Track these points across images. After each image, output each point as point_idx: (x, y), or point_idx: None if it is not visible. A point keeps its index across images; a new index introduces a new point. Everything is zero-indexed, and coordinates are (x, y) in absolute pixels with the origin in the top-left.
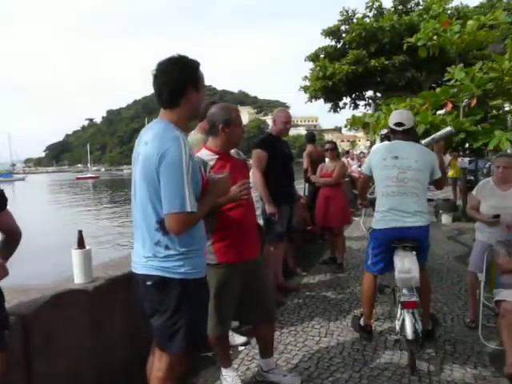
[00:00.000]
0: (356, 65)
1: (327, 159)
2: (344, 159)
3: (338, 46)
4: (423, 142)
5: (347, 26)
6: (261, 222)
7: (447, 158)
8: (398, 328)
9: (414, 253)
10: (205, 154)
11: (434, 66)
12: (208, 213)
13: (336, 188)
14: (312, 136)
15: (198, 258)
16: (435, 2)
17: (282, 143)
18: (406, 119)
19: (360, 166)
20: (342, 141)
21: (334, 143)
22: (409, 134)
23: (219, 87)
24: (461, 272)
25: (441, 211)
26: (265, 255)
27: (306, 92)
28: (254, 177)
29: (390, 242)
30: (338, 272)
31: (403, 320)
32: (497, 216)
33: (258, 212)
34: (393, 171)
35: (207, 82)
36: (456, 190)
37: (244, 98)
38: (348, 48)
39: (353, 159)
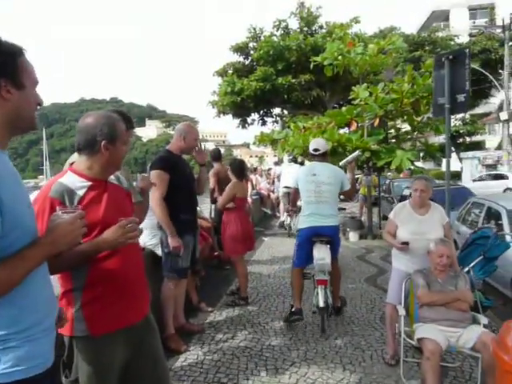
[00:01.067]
0: (264, 81)
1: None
2: (252, 176)
3: (247, 62)
4: (341, 163)
5: (255, 44)
6: (159, 252)
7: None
8: (314, 301)
9: (328, 246)
10: (72, 181)
11: (337, 87)
12: (76, 263)
13: (230, 213)
14: (218, 153)
15: (28, 343)
16: (337, 27)
17: (184, 162)
18: (321, 145)
19: (269, 184)
20: (251, 156)
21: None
22: (324, 157)
23: (126, 100)
24: (373, 297)
25: (348, 229)
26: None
27: (214, 107)
28: (153, 202)
29: (310, 237)
30: (247, 305)
31: (317, 293)
32: (405, 243)
33: (155, 241)
34: (311, 185)
35: (113, 93)
36: (363, 207)
37: (152, 112)
38: (256, 65)
39: (261, 176)
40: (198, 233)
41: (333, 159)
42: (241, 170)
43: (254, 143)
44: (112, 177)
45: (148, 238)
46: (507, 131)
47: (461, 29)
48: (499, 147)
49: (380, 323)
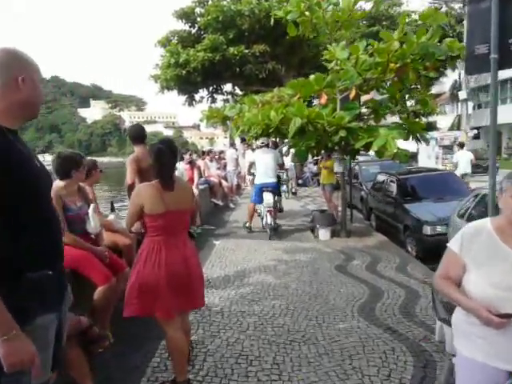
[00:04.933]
0: (213, 52)
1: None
2: (200, 161)
3: (193, 31)
4: (278, 148)
5: (202, 10)
6: None
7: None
8: (264, 222)
9: (272, 193)
10: None
11: (293, 60)
12: None
13: (145, 241)
14: (139, 131)
15: None
16: None
17: (23, 145)
18: (264, 140)
19: (219, 169)
20: (201, 138)
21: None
22: (267, 146)
23: (69, 79)
24: (383, 347)
25: (317, 225)
26: None
27: (156, 82)
28: None
29: (261, 188)
30: None
31: (266, 217)
32: (509, 315)
33: None
34: (262, 161)
35: (54, 72)
36: (331, 199)
37: (97, 92)
38: (204, 33)
39: (211, 160)
40: (67, 300)
41: (300, 141)
42: (161, 163)
43: (201, 120)
44: None
45: None
46: (466, 111)
47: (418, 3)
48: (452, 128)
49: None
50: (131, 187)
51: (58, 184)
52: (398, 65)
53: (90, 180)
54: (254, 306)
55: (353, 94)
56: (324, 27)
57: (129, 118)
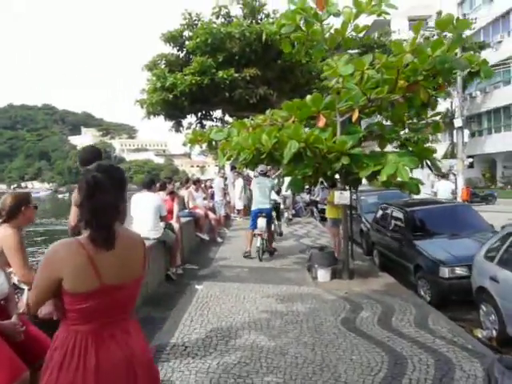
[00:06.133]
0: (201, 75)
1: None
2: (184, 191)
3: (181, 55)
4: (273, 176)
5: (191, 33)
6: None
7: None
8: (256, 244)
9: (265, 219)
10: None
11: (285, 86)
12: None
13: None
14: (92, 155)
15: None
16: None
17: None
18: (263, 168)
19: (206, 199)
20: (192, 166)
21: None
22: (266, 175)
23: (60, 107)
24: None
25: (316, 265)
26: None
27: (142, 107)
28: None
29: (257, 213)
30: None
31: (260, 241)
32: None
33: None
34: (258, 187)
35: (45, 100)
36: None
37: (88, 120)
38: (192, 57)
39: (197, 190)
40: None
41: (296, 168)
42: (95, 204)
43: (184, 144)
44: None
45: None
46: (462, 139)
47: (403, 37)
48: (445, 156)
49: None
50: (75, 230)
51: None
52: (407, 83)
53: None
54: None
55: (355, 116)
56: (321, 43)
57: (120, 145)
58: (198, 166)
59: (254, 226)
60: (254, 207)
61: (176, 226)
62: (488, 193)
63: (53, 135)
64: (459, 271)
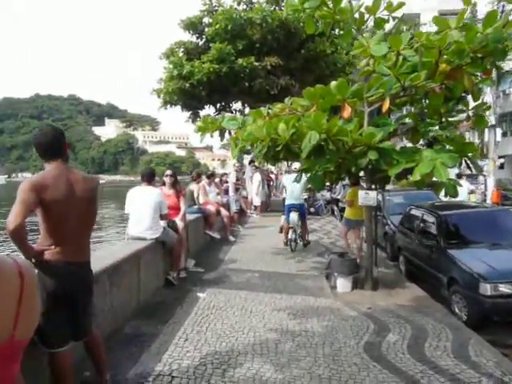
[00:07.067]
0: (220, 63)
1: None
2: (194, 186)
3: (200, 42)
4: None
5: (211, 19)
6: None
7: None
8: (289, 237)
9: (298, 213)
10: None
11: (308, 77)
12: None
13: None
14: (50, 139)
15: None
16: None
17: None
18: (298, 166)
19: (219, 194)
20: (213, 159)
21: None
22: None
23: (85, 97)
24: None
25: (335, 273)
26: None
27: (158, 96)
28: None
29: (290, 208)
30: None
31: (291, 234)
32: None
33: None
34: (290, 185)
35: (71, 90)
36: (362, 239)
37: (112, 111)
38: (211, 45)
39: (210, 184)
40: None
41: (316, 163)
42: None
43: (196, 131)
44: None
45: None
46: (494, 138)
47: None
48: (474, 156)
49: None
50: (17, 234)
51: None
52: (450, 65)
53: None
54: None
55: (386, 106)
56: (350, 23)
57: (142, 137)
58: (219, 160)
59: (287, 219)
60: (286, 202)
61: (180, 224)
62: None
63: (77, 125)
64: (503, 289)
